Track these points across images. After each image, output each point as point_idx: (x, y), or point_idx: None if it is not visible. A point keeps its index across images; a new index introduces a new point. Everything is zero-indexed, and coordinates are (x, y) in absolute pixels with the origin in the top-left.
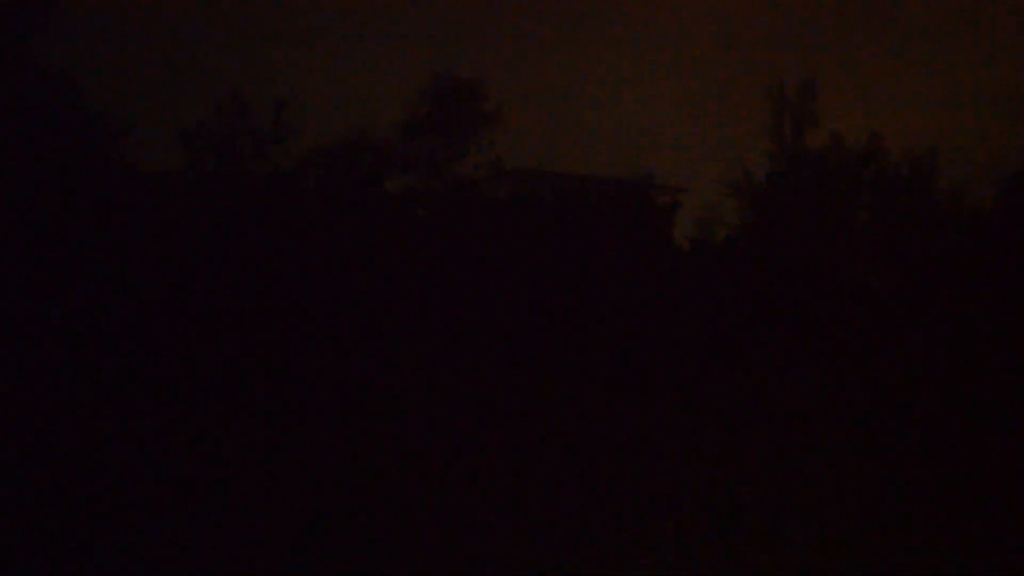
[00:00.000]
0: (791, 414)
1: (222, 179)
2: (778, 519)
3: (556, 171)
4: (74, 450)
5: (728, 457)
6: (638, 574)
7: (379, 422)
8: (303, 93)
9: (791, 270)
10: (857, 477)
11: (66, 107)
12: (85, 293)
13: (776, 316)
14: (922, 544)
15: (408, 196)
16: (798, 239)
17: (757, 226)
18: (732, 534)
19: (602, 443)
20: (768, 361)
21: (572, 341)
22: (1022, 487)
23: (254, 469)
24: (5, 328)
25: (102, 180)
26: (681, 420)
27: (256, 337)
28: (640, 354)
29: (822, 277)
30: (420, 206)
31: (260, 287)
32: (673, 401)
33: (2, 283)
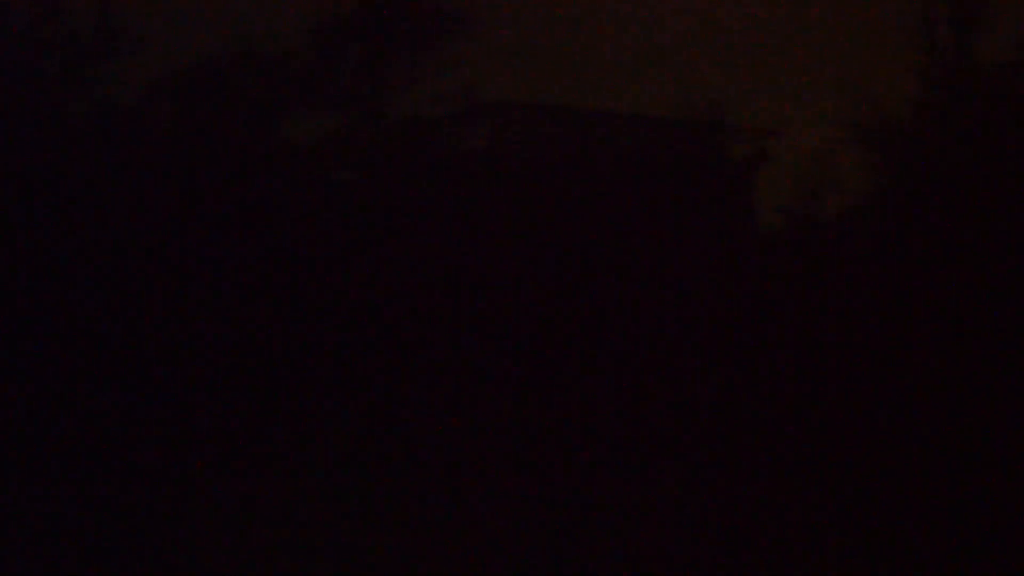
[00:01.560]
0: None
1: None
2: None
3: (567, 106)
4: None
5: None
6: None
7: None
8: None
9: (956, 270)
10: None
11: None
12: None
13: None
14: None
15: (323, 148)
16: (968, 214)
17: (896, 191)
18: None
19: None
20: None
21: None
22: None
23: None
24: None
25: None
26: None
27: None
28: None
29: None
30: (342, 165)
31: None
32: None
33: None
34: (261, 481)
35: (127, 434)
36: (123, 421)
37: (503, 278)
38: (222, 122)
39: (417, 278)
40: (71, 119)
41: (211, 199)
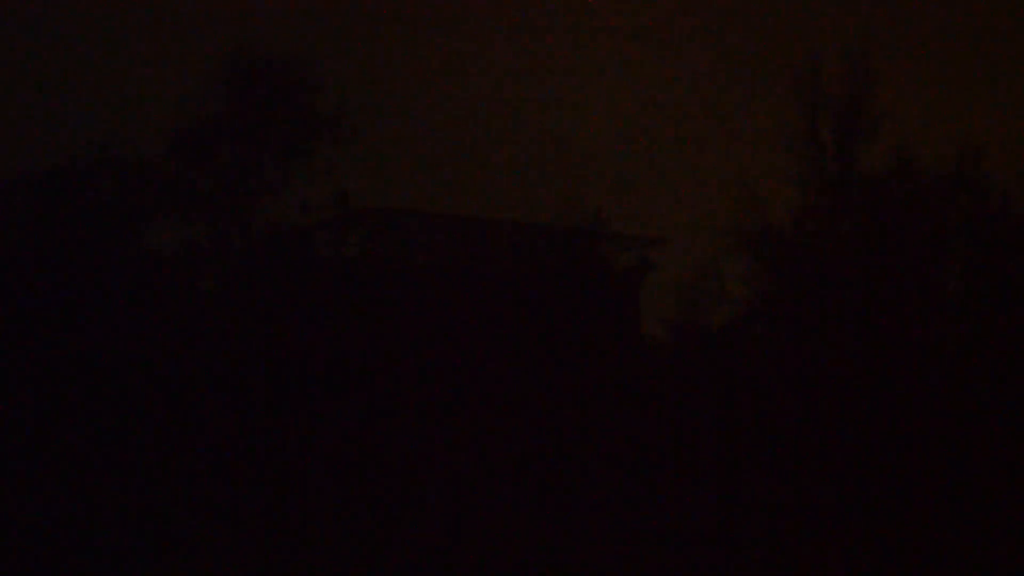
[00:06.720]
0: None
1: None
2: None
3: (446, 213)
4: None
5: None
6: None
7: None
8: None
9: (840, 373)
10: None
11: None
12: None
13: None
14: None
15: (184, 256)
16: (849, 316)
17: (781, 298)
18: None
19: None
20: None
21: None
22: None
23: None
24: None
25: None
26: None
27: None
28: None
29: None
30: (203, 274)
31: None
32: None
33: None
34: None
35: None
36: None
37: (373, 390)
38: (76, 228)
39: (283, 387)
40: None
41: (63, 306)
